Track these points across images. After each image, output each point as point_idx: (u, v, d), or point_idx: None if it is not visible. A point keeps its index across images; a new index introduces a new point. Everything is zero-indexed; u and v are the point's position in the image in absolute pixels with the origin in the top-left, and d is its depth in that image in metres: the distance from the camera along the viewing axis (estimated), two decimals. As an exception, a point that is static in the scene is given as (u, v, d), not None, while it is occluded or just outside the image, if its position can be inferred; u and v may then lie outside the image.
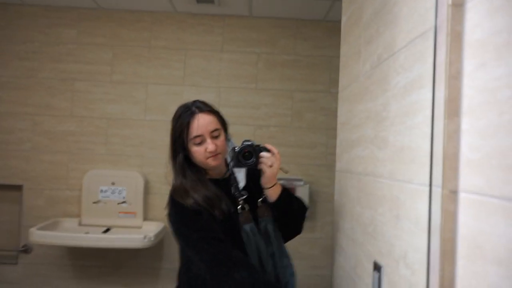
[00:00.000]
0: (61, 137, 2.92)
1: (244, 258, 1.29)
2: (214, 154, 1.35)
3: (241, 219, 1.33)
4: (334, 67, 3.01)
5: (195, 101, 1.43)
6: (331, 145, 2.99)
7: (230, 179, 1.38)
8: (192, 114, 1.36)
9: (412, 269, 0.87)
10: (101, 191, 2.91)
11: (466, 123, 0.70)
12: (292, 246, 2.93)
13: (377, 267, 1.08)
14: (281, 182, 2.85)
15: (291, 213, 1.37)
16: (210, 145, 1.33)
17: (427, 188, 0.80)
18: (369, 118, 1.21)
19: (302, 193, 2.94)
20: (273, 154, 1.33)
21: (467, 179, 0.69)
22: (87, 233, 2.71)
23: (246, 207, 1.36)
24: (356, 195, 1.32)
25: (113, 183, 2.91)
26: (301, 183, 2.94)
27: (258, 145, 1.33)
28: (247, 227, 1.32)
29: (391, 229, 1.00)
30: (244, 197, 1.36)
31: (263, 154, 1.31)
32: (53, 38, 2.94)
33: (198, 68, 3.01)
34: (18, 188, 2.89)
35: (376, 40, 1.19)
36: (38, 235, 2.54)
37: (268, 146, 1.34)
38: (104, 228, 2.83)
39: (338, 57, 2.96)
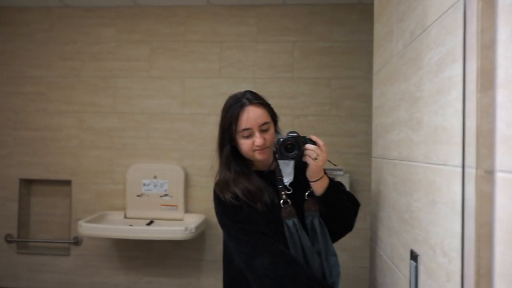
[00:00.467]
0: (105, 133, 3.03)
1: (285, 251, 1.25)
2: (262, 148, 1.32)
3: (284, 214, 1.29)
4: (370, 52, 2.89)
5: (245, 92, 1.39)
6: (371, 132, 2.89)
7: (276, 172, 1.34)
8: (242, 106, 1.33)
9: (449, 257, 0.82)
10: (144, 184, 3.00)
11: (502, 96, 0.64)
12: (334, 236, 2.91)
13: (413, 256, 1.02)
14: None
15: (339, 208, 1.31)
16: (258, 139, 1.31)
17: (465, 170, 0.74)
18: (403, 100, 1.14)
19: (343, 183, 2.86)
20: (318, 146, 1.27)
21: (504, 157, 0.63)
22: (131, 225, 2.80)
23: (289, 201, 1.31)
24: (392, 181, 1.26)
25: (155, 177, 2.99)
26: (341, 172, 2.87)
27: (303, 137, 1.29)
28: (290, 222, 1.27)
29: (427, 215, 0.94)
30: (289, 192, 1.32)
31: (308, 146, 1.26)
32: (93, 37, 3.05)
33: (233, 60, 3.00)
34: (68, 183, 3.04)
35: (408, 17, 1.12)
36: (86, 228, 2.66)
37: (314, 138, 1.29)
38: (148, 221, 2.91)
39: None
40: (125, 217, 2.99)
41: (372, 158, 1.54)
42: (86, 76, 3.05)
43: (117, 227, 2.73)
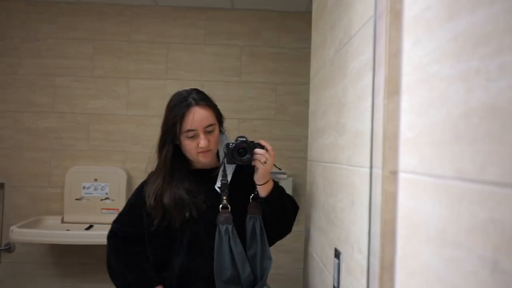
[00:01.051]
0: (42, 133, 2.90)
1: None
2: (206, 150, 1.33)
3: (220, 219, 1.31)
4: (317, 59, 2.99)
5: (192, 91, 1.38)
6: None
7: (219, 174, 1.36)
8: (187, 106, 1.32)
9: (363, 254, 0.86)
10: (84, 187, 2.89)
11: (405, 101, 0.68)
12: (277, 239, 2.95)
13: (337, 254, 1.07)
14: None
15: (282, 210, 1.35)
16: (202, 141, 1.31)
17: (375, 171, 0.79)
18: (332, 105, 1.19)
19: (285, 186, 2.90)
20: (267, 150, 1.29)
21: (405, 158, 0.67)
22: (68, 230, 2.69)
23: (229, 206, 1.33)
24: (322, 183, 1.31)
25: (95, 179, 2.89)
26: (285, 176, 2.92)
27: (252, 142, 1.32)
28: (223, 228, 1.30)
29: (348, 215, 0.99)
30: (225, 193, 1.34)
31: (257, 150, 1.30)
32: (32, 33, 2.92)
33: (180, 61, 2.98)
34: (0, 186, 2.87)
35: (338, 25, 1.17)
36: (19, 233, 2.53)
37: (262, 143, 1.33)
38: (87, 225, 2.81)
39: (320, 49, 2.97)
40: (63, 221, 2.86)
41: (308, 161, 1.59)
42: (23, 74, 2.91)
43: (52, 232, 2.62)
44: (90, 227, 2.80)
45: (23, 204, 2.88)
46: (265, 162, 1.29)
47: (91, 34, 2.94)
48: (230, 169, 1.37)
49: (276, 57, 3.02)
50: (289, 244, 2.98)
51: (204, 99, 1.38)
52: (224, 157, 1.33)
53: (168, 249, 1.35)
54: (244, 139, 1.31)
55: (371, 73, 0.86)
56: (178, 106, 1.34)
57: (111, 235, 1.43)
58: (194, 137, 1.32)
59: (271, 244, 1.39)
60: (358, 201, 0.92)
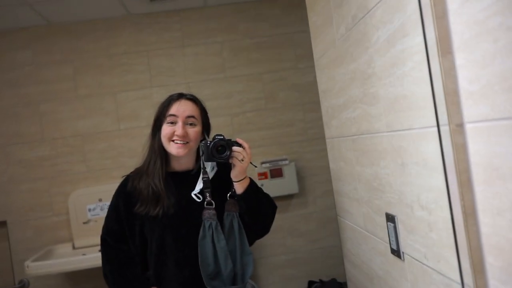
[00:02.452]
0: (36, 163, 2.83)
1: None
2: (180, 143, 1.35)
3: (206, 215, 1.35)
4: (297, 43, 3.04)
5: (187, 93, 1.47)
6: (309, 119, 3.03)
7: (199, 173, 1.39)
8: (176, 98, 1.42)
9: (428, 209, 0.91)
10: (89, 210, 2.85)
11: (461, 58, 0.73)
12: (287, 225, 3.01)
13: (390, 218, 1.12)
14: (267, 164, 2.88)
15: (258, 206, 1.39)
16: (179, 129, 1.35)
17: (431, 129, 0.84)
18: (354, 79, 1.24)
19: (289, 171, 2.98)
20: (244, 148, 1.34)
21: (470, 110, 0.72)
22: (84, 254, 2.65)
23: (213, 202, 1.37)
24: (353, 156, 1.35)
25: (100, 200, 2.86)
26: (286, 162, 2.97)
27: (229, 139, 1.35)
28: (207, 223, 1.34)
29: (398, 178, 1.04)
30: (204, 196, 1.38)
31: (235, 148, 1.33)
32: (7, 63, 2.83)
33: (163, 67, 2.97)
34: (2, 224, 2.79)
35: (347, 2, 1.21)
36: (35, 267, 2.47)
37: (239, 141, 1.36)
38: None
39: (300, 32, 3.01)
40: (74, 248, 2.82)
41: (327, 139, 1.63)
42: (5, 106, 2.82)
43: (69, 259, 2.57)
44: (104, 247, 2.76)
45: (29, 238, 2.82)
46: (242, 160, 1.32)
47: (68, 54, 2.87)
48: (208, 167, 1.40)
49: (257, 47, 3.04)
50: (301, 227, 3.05)
51: (194, 97, 1.45)
52: (202, 155, 1.35)
53: (150, 249, 1.40)
54: (222, 137, 1.34)
55: (404, 39, 0.90)
56: (169, 98, 1.44)
57: (102, 243, 1.47)
58: (173, 124, 1.37)
59: (250, 243, 1.43)
60: (410, 162, 0.96)
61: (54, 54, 2.86)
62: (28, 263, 2.46)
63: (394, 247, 1.11)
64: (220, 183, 1.41)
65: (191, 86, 2.97)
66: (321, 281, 2.93)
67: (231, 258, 1.36)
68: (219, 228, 1.35)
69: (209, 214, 1.35)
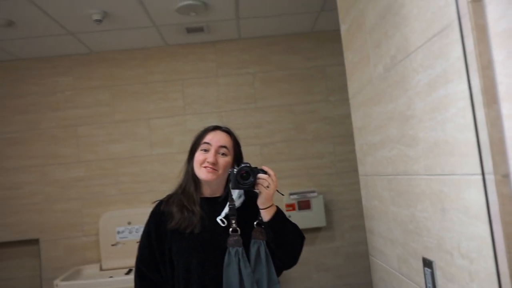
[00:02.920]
0: (71, 184, 2.92)
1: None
2: (211, 168, 1.38)
3: (230, 241, 1.36)
4: (329, 76, 3.07)
5: (222, 125, 1.53)
6: (339, 152, 3.03)
7: (226, 200, 1.41)
8: (211, 129, 1.49)
9: (469, 258, 0.89)
10: (118, 232, 2.90)
11: (507, 108, 0.73)
12: (314, 258, 2.96)
13: (427, 263, 1.09)
14: (295, 196, 2.87)
15: (285, 234, 1.38)
16: (211, 157, 1.40)
17: (474, 177, 0.82)
18: (392, 119, 1.24)
19: (317, 204, 2.95)
20: (269, 175, 1.35)
21: (518, 161, 0.71)
22: (111, 277, 2.68)
23: (238, 230, 1.37)
24: (388, 195, 1.34)
25: (129, 223, 2.90)
26: (315, 194, 2.96)
27: (255, 167, 1.37)
28: (233, 250, 1.35)
29: (437, 223, 1.02)
30: (232, 221, 1.39)
31: (260, 175, 1.35)
32: (49, 88, 2.97)
33: (196, 96, 3.04)
34: (35, 242, 2.87)
35: (386, 43, 1.22)
36: (64, 287, 2.51)
37: (265, 168, 1.37)
38: (126, 270, 2.80)
39: (331, 65, 3.05)
40: (101, 269, 2.86)
41: (360, 176, 1.62)
42: (45, 128, 2.94)
43: (97, 281, 2.60)
44: (130, 271, 2.78)
45: (59, 257, 2.88)
46: (268, 187, 1.33)
47: (106, 81, 3.00)
48: (235, 194, 1.41)
49: (288, 78, 3.09)
50: (328, 262, 3.00)
51: (229, 130, 1.51)
52: (229, 183, 1.38)
53: (177, 275, 1.40)
54: (248, 164, 1.36)
55: (448, 85, 0.90)
56: (206, 128, 1.51)
57: (137, 273, 1.47)
58: (207, 152, 1.42)
59: (277, 273, 1.41)
60: (451, 208, 0.95)
61: (93, 81, 2.99)
62: (57, 282, 2.51)
63: (431, 293, 1.08)
64: (248, 212, 1.41)
65: (223, 115, 3.03)
66: (346, 318, 2.85)
67: (258, 287, 1.35)
68: (245, 255, 1.35)
69: (234, 240, 1.36)
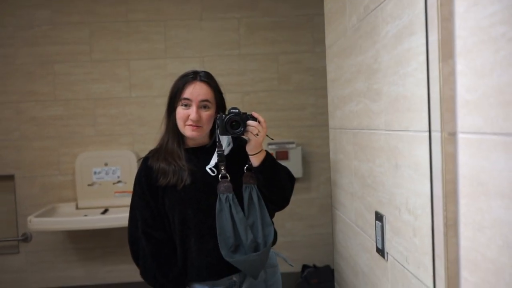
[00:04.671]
0: (48, 122, 2.88)
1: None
2: (195, 125, 1.36)
3: (221, 188, 1.36)
4: (316, 26, 2.97)
5: (201, 71, 1.45)
6: (321, 105, 3.00)
7: (214, 147, 1.39)
8: (191, 79, 1.40)
9: (414, 215, 0.90)
10: (95, 173, 2.90)
11: (461, 64, 0.70)
12: (289, 208, 2.95)
13: (378, 217, 1.11)
14: (273, 146, 2.87)
15: (275, 178, 1.39)
16: (193, 113, 1.36)
17: (426, 134, 0.81)
18: (360, 72, 1.20)
19: (295, 155, 2.97)
20: (259, 122, 1.32)
21: (465, 120, 0.70)
22: (85, 215, 2.71)
23: (228, 176, 1.37)
24: (352, 149, 1.33)
25: (106, 164, 2.90)
26: (293, 145, 2.96)
27: (244, 113, 1.34)
28: (223, 196, 1.35)
29: (391, 178, 1.02)
30: (223, 163, 1.37)
31: (250, 122, 1.32)
32: (26, 20, 2.84)
33: (179, 39, 2.94)
34: (10, 178, 2.87)
35: (361, -9, 1.17)
36: (38, 222, 2.55)
37: (255, 114, 1.34)
38: (102, 209, 2.83)
39: (320, 15, 2.92)
40: (77, 208, 2.89)
41: (330, 129, 1.61)
42: (21, 64, 2.85)
43: (71, 219, 2.64)
44: (106, 211, 2.82)
45: (35, 194, 2.89)
46: (257, 134, 1.31)
47: (86, 17, 2.87)
48: (224, 141, 1.40)
49: (275, 26, 2.99)
50: (302, 212, 3.06)
51: (208, 78, 1.42)
52: (217, 129, 1.35)
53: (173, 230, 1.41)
54: (237, 111, 1.33)
55: (412, 37, 0.87)
56: (183, 78, 1.42)
57: (146, 237, 1.39)
58: (188, 107, 1.37)
59: (271, 215, 1.44)
60: (403, 164, 0.94)
61: (72, 16, 2.87)
62: (31, 218, 2.54)
63: (380, 246, 1.10)
64: (237, 157, 1.41)
65: (206, 60, 2.95)
66: (315, 266, 2.96)
67: (253, 230, 1.36)
68: (235, 200, 1.35)
69: (224, 187, 1.35)
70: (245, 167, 1.39)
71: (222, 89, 1.47)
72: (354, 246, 1.36)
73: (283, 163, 2.89)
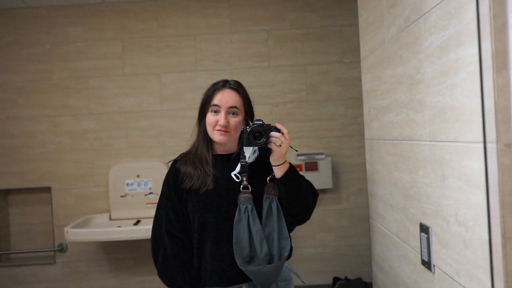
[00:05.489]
0: (82, 135, 2.96)
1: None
2: (223, 130, 1.39)
3: (241, 198, 1.38)
4: (345, 36, 2.98)
5: (231, 79, 1.49)
6: (350, 115, 2.99)
7: (240, 157, 1.41)
8: (220, 87, 1.44)
9: (465, 226, 0.88)
10: (127, 184, 2.96)
11: (517, 75, 0.70)
12: (319, 218, 3.00)
13: (424, 229, 1.09)
14: (303, 157, 2.88)
15: (297, 191, 1.39)
16: (222, 119, 1.39)
17: (477, 145, 0.80)
18: (401, 83, 1.20)
19: (324, 166, 2.95)
20: (282, 133, 1.34)
21: (522, 131, 0.69)
22: (119, 227, 2.76)
23: (249, 187, 1.39)
24: (392, 160, 1.32)
25: (138, 176, 2.95)
26: (323, 156, 2.95)
27: (268, 125, 1.36)
28: (243, 207, 1.37)
29: (437, 190, 1.01)
30: (244, 178, 1.39)
31: (273, 133, 1.34)
32: (60, 38, 2.95)
33: (208, 52, 2.99)
34: (47, 190, 2.96)
35: (401, 2, 1.17)
36: (74, 233, 2.61)
37: (278, 126, 1.36)
38: (135, 221, 2.88)
39: (348, 25, 2.95)
40: (110, 219, 2.94)
41: (366, 140, 1.61)
42: (57, 79, 2.95)
43: (106, 229, 2.69)
44: (138, 222, 2.87)
45: (70, 205, 2.97)
46: (280, 145, 1.33)
47: (118, 33, 2.96)
48: (248, 152, 1.41)
49: (303, 37, 3.00)
50: (332, 223, 3.04)
51: (237, 86, 1.46)
52: (241, 140, 1.38)
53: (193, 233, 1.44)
54: (260, 122, 1.35)
55: (459, 48, 0.87)
56: (214, 86, 1.46)
57: (168, 236, 1.44)
58: (217, 113, 1.40)
59: (290, 229, 1.44)
60: (451, 175, 0.93)
61: (105, 32, 2.96)
62: (67, 229, 2.60)
63: (425, 258, 1.09)
64: (261, 167, 1.42)
65: (235, 72, 2.99)
66: (346, 278, 2.92)
67: (269, 241, 1.38)
68: (254, 212, 1.37)
69: (244, 198, 1.37)
70: (268, 178, 1.41)
71: (251, 98, 1.50)
72: (395, 258, 1.35)
73: (313, 174, 2.95)
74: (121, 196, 2.95)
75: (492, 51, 0.72)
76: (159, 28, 2.97)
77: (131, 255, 3.00)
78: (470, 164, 0.85)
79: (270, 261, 1.36)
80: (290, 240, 1.42)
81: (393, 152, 1.30)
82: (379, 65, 1.39)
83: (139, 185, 2.96)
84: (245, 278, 1.37)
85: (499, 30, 0.71)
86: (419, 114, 1.09)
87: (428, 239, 1.07)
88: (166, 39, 2.97)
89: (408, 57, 1.14)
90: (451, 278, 0.96)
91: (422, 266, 1.12)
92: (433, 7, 0.98)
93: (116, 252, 2.99)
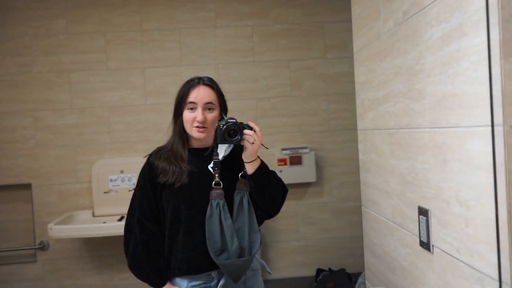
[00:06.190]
0: (64, 130, 2.90)
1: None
2: (201, 126, 1.45)
3: (213, 194, 1.43)
4: (327, 33, 3.04)
5: (204, 76, 1.55)
6: (333, 110, 3.06)
7: (213, 153, 1.46)
8: (195, 84, 1.50)
9: (467, 206, 0.94)
10: (111, 180, 2.93)
11: (522, 62, 0.75)
12: (302, 212, 3.07)
13: (423, 212, 1.15)
14: (287, 151, 2.92)
15: (267, 187, 1.46)
16: (199, 115, 1.45)
17: (481, 128, 0.86)
18: (399, 74, 1.26)
19: (308, 160, 3.02)
20: (255, 131, 1.40)
21: (527, 113, 0.75)
22: (104, 223, 2.73)
23: (221, 183, 1.44)
24: (388, 149, 1.38)
25: (121, 171, 2.93)
26: (307, 150, 3.01)
27: (241, 123, 1.42)
28: (215, 202, 1.43)
29: (437, 174, 1.07)
30: (218, 170, 1.44)
31: (246, 131, 1.40)
32: (42, 30, 2.88)
33: (193, 46, 3.00)
34: (27, 186, 2.88)
35: (398, -3, 1.22)
36: (57, 230, 2.56)
37: (251, 124, 1.43)
38: (118, 217, 2.85)
39: (330, 22, 3.02)
40: (94, 215, 2.90)
41: (359, 131, 1.66)
42: (38, 72, 2.88)
43: (90, 225, 2.66)
44: (122, 218, 2.84)
45: (52, 202, 2.91)
46: (253, 143, 1.39)
47: (101, 26, 2.92)
48: (221, 148, 1.47)
49: (287, 33, 3.05)
50: (315, 216, 3.10)
51: (211, 82, 1.53)
52: (215, 138, 1.43)
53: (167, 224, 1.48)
54: (234, 120, 1.42)
55: (462, 39, 0.92)
56: (188, 83, 1.52)
57: (139, 226, 1.47)
58: (193, 110, 1.46)
59: (260, 222, 1.51)
60: (452, 159, 0.99)
61: (87, 25, 2.91)
62: (51, 225, 2.55)
63: (424, 239, 1.15)
64: (234, 163, 1.48)
65: (220, 67, 3.00)
66: (330, 270, 2.99)
67: (240, 235, 1.44)
68: (226, 207, 1.43)
69: (216, 193, 1.43)
70: (239, 174, 1.47)
71: (233, 95, 1.54)
72: (390, 243, 1.41)
73: (297, 167, 3.01)
74: (105, 192, 2.91)
75: (500, 39, 0.78)
76: (143, 22, 2.95)
77: (114, 251, 2.97)
78: (472, 147, 0.90)
79: (240, 255, 1.43)
80: (260, 233, 1.48)
81: (389, 141, 1.36)
82: (374, 57, 1.44)
83: (123, 180, 2.93)
84: (214, 266, 1.43)
85: (506, 20, 0.77)
86: (418, 103, 1.15)
87: (427, 221, 1.13)
88: (150, 33, 2.96)
89: (406, 48, 1.20)
90: (451, 255, 1.02)
91: (420, 248, 1.18)
92: (434, 1, 1.03)
93: (98, 249, 2.95)
